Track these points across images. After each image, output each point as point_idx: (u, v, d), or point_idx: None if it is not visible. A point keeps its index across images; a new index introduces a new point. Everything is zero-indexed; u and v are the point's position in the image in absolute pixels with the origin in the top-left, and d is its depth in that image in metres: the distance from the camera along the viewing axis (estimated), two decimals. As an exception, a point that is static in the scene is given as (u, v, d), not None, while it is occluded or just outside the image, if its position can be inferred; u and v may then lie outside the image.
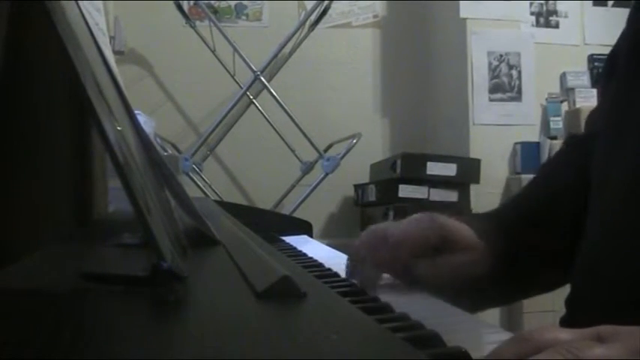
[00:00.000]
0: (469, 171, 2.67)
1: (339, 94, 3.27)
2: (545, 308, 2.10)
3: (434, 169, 2.62)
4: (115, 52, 2.70)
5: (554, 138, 2.75)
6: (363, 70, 3.32)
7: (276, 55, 2.72)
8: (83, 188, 0.67)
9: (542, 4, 2.95)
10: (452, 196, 2.65)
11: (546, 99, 2.87)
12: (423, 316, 0.45)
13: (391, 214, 2.62)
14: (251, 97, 2.87)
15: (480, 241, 0.63)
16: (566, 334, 0.35)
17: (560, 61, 2.87)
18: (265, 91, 2.75)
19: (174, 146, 2.96)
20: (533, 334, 0.35)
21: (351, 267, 0.62)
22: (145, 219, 0.30)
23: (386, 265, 0.60)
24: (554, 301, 1.53)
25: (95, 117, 0.29)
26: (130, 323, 0.27)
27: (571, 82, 2.89)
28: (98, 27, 0.41)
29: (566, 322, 0.61)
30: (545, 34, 2.93)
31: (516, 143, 2.81)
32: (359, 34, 3.33)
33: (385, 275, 0.63)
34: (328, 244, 0.96)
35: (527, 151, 2.77)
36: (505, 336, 0.40)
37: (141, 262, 0.33)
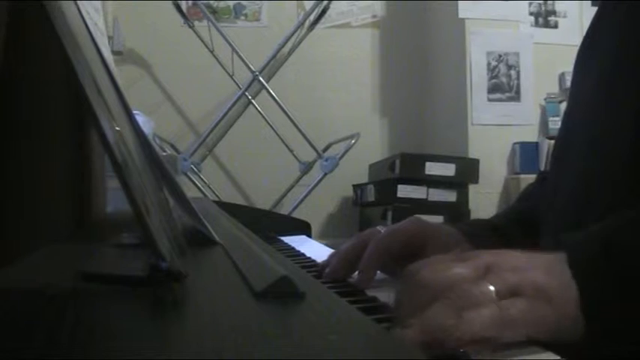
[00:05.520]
0: (468, 171, 2.67)
1: (338, 94, 3.27)
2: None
3: (432, 169, 2.62)
4: (114, 52, 2.70)
5: (553, 138, 2.75)
6: (362, 71, 3.32)
7: (274, 56, 2.73)
8: (82, 188, 0.67)
9: (540, 4, 2.95)
10: (450, 196, 2.65)
11: (545, 99, 2.87)
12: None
13: (390, 214, 2.62)
14: (250, 97, 2.87)
15: (467, 244, 0.65)
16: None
17: (559, 61, 2.87)
18: (264, 91, 2.75)
19: (172, 146, 2.96)
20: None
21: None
22: (144, 219, 0.31)
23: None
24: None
25: (94, 117, 0.29)
26: (129, 323, 0.27)
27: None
28: (97, 27, 0.41)
29: None
30: (544, 34, 2.94)
31: (515, 143, 2.81)
32: (358, 34, 3.33)
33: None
34: (327, 244, 0.96)
35: (526, 151, 2.77)
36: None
37: (140, 262, 0.33)
